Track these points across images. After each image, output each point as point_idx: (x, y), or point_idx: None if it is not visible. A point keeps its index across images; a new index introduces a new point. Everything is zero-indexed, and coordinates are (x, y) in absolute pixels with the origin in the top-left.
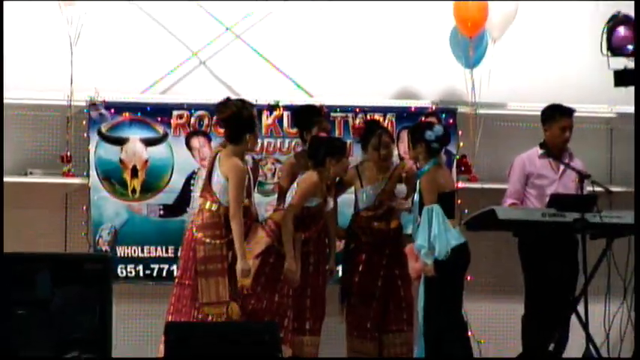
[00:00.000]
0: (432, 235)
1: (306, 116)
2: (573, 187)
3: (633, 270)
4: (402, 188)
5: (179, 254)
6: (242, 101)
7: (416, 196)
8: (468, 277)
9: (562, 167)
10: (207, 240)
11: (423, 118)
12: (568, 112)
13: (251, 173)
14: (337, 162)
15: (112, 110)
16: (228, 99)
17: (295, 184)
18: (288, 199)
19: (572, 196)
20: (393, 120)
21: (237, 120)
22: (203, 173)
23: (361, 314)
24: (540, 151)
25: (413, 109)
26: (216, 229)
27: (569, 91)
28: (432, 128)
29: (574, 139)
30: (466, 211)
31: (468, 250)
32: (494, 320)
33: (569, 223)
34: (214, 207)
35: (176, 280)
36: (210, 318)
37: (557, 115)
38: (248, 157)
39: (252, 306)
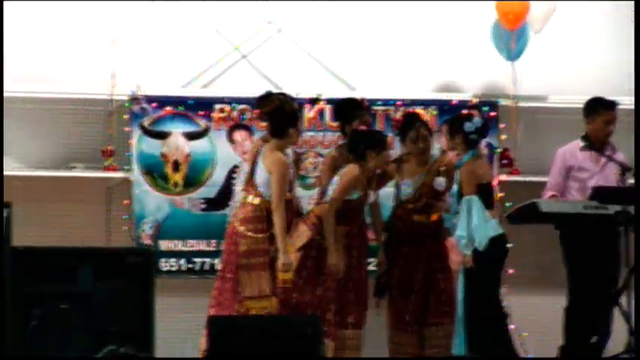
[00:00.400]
0: (472, 226)
1: (348, 109)
2: (615, 180)
3: None
4: (440, 181)
5: (222, 247)
6: (284, 95)
7: (455, 188)
8: (510, 270)
9: (603, 160)
10: (250, 234)
11: (465, 111)
12: (611, 105)
13: (293, 167)
14: (377, 155)
15: (154, 104)
16: (270, 92)
17: (336, 178)
18: (329, 192)
19: (614, 189)
20: (435, 113)
21: (280, 114)
22: (245, 167)
23: (400, 307)
24: (582, 144)
25: (454, 102)
26: (258, 223)
27: (610, 84)
28: (471, 120)
29: (615, 131)
30: (508, 204)
31: (506, 242)
32: (537, 313)
33: (611, 216)
34: (257, 201)
35: (219, 273)
36: (252, 312)
37: (600, 108)
38: (289, 151)
39: (294, 299)
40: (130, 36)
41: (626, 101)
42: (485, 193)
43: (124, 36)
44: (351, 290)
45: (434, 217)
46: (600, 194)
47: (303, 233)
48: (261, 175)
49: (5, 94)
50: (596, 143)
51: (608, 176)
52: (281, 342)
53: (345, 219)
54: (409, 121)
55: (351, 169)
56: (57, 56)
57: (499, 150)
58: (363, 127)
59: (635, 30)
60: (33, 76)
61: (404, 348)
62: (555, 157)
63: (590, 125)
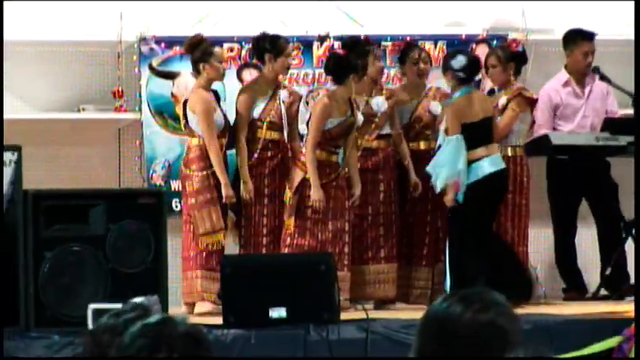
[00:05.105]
0: (457, 168)
1: (358, 46)
2: (602, 108)
3: None
4: (436, 106)
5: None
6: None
7: (442, 125)
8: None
9: (587, 91)
10: (195, 173)
11: (474, 46)
12: (589, 36)
13: (284, 108)
14: (360, 79)
15: (163, 45)
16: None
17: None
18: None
19: (626, 120)
20: (444, 48)
21: (193, 51)
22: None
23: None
24: (564, 80)
25: (464, 36)
26: (200, 162)
27: (618, 15)
28: (455, 57)
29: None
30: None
31: (502, 179)
32: (551, 245)
33: (623, 147)
34: (195, 141)
35: (185, 219)
36: (208, 248)
37: (578, 39)
38: (285, 92)
39: (307, 243)
40: None
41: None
42: (472, 131)
43: None
44: (382, 225)
45: (430, 144)
46: (611, 125)
47: (295, 175)
48: (189, 116)
49: (14, 38)
50: (576, 75)
51: (595, 106)
52: (294, 280)
53: (336, 147)
54: (411, 45)
55: (318, 101)
56: None
57: None
58: (339, 51)
59: (635, 30)
60: (40, 18)
61: (418, 282)
62: (541, 96)
63: (569, 57)
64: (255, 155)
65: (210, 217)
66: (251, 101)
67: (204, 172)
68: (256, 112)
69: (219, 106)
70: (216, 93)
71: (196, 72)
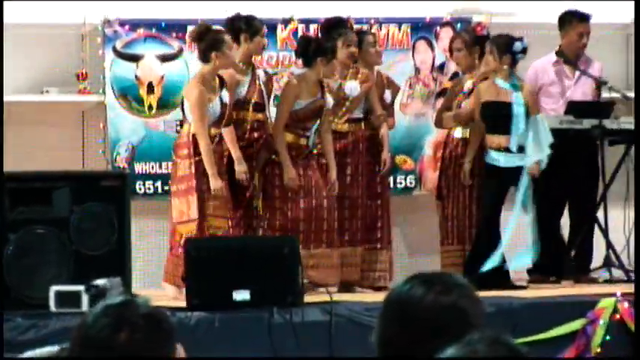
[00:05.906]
0: (543, 142)
1: (331, 29)
2: (591, 93)
3: None
4: (388, 93)
5: None
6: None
7: (521, 109)
8: None
9: (577, 73)
10: (180, 160)
11: (438, 29)
12: (584, 17)
13: (264, 87)
14: (328, 62)
15: (127, 27)
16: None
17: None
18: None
19: (590, 103)
20: (409, 31)
21: (201, 39)
22: None
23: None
24: (554, 58)
25: (428, 19)
26: (186, 149)
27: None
28: (521, 39)
29: (590, 45)
30: None
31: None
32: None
33: (587, 130)
34: (186, 128)
35: None
36: (182, 236)
37: (573, 20)
38: (260, 72)
39: (279, 222)
40: None
41: (599, 15)
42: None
43: None
44: (346, 208)
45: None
46: (576, 108)
47: (261, 155)
48: (185, 102)
49: None
50: (570, 56)
51: (584, 90)
52: (258, 263)
53: (304, 129)
54: (361, 31)
55: (285, 83)
56: None
57: None
58: (308, 34)
59: (635, 30)
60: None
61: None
62: (528, 72)
63: (563, 38)
64: (246, 137)
65: (187, 205)
66: (236, 83)
67: (188, 161)
68: (242, 93)
69: (221, 93)
70: (221, 79)
71: (204, 61)
